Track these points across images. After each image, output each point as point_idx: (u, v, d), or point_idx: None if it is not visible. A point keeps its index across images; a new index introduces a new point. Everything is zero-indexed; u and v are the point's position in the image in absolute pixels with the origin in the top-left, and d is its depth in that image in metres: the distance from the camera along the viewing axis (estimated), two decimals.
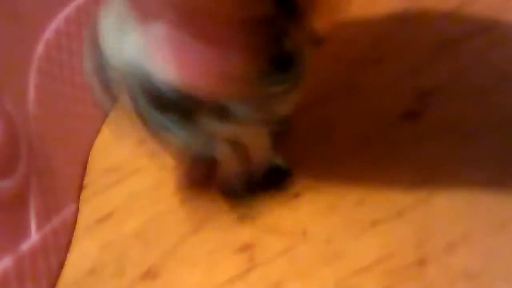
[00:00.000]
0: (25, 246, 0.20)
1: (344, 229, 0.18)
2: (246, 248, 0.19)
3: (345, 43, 0.25)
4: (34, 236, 0.20)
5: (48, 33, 0.26)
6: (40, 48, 0.25)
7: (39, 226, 0.21)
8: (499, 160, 0.19)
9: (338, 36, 0.25)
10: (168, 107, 0.17)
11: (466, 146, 0.20)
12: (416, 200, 0.18)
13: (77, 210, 0.24)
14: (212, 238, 0.20)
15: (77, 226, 0.23)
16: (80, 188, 0.25)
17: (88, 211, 0.24)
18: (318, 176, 0.20)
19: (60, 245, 0.22)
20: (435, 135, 0.21)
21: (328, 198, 0.19)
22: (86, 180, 0.25)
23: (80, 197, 0.24)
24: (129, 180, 0.25)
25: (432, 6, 0.26)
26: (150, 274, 0.20)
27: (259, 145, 0.19)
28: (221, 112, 0.17)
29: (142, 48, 0.16)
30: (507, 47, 0.22)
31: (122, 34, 0.17)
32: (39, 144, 0.23)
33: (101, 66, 0.17)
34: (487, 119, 0.20)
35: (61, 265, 0.21)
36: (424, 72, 0.23)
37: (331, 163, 0.20)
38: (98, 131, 0.28)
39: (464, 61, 0.23)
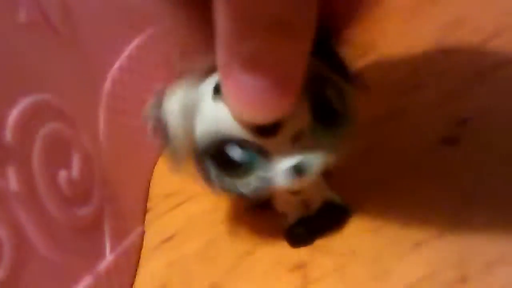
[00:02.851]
0: (102, 266, 0.22)
1: (390, 250, 0.20)
2: (299, 267, 0.21)
3: (382, 72, 0.27)
4: (108, 257, 0.23)
5: (114, 71, 0.28)
6: (107, 85, 0.28)
7: (113, 248, 0.23)
8: None
9: (375, 66, 0.27)
10: (239, 169, 0.18)
11: (503, 168, 0.21)
12: (456, 221, 0.20)
13: (143, 233, 0.26)
14: (267, 258, 0.22)
15: (144, 247, 0.25)
16: (145, 212, 0.27)
17: (153, 233, 0.26)
18: (363, 200, 0.22)
19: (130, 264, 0.24)
20: (474, 159, 0.22)
21: (374, 221, 0.21)
22: (149, 205, 0.28)
23: (145, 221, 0.27)
24: (188, 204, 0.27)
25: (464, 37, 0.28)
26: None
27: (316, 189, 0.21)
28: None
29: (216, 111, 0.18)
30: None
31: (193, 109, 0.18)
32: (109, 173, 0.25)
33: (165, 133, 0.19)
34: None
35: (132, 283, 0.24)
36: (462, 99, 0.24)
37: (375, 188, 0.22)
38: (157, 158, 0.30)
39: (500, 87, 0.24)
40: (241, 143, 0.18)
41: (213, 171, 0.19)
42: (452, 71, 0.26)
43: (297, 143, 0.18)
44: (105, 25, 0.28)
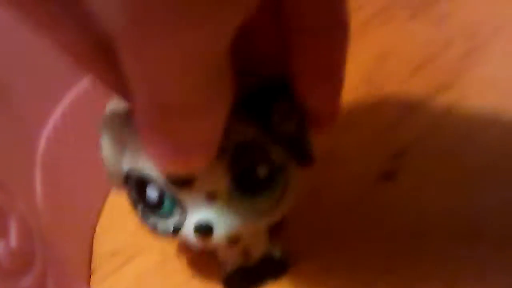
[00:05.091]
0: None
1: None
2: None
3: None
4: None
5: (47, 130, 0.27)
6: (41, 145, 0.27)
7: None
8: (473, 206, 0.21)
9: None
10: (159, 209, 0.19)
11: (443, 197, 0.22)
12: (404, 252, 0.20)
13: None
14: None
15: None
16: (89, 273, 0.26)
17: None
18: (309, 244, 0.22)
19: None
20: (415, 190, 0.23)
21: (323, 264, 0.21)
22: (94, 265, 0.27)
23: (91, 282, 0.26)
24: (136, 260, 0.26)
25: (394, 68, 0.29)
26: None
27: (257, 241, 0.21)
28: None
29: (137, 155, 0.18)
30: (467, 104, 0.25)
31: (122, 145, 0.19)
32: (50, 236, 0.24)
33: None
34: (457, 171, 0.23)
35: None
36: (394, 134, 0.25)
37: (320, 230, 0.22)
38: (99, 216, 0.29)
39: (429, 120, 0.25)
40: (162, 186, 0.18)
41: (138, 204, 0.19)
42: (381, 107, 0.27)
43: (212, 202, 0.18)
44: (36, 84, 0.27)
